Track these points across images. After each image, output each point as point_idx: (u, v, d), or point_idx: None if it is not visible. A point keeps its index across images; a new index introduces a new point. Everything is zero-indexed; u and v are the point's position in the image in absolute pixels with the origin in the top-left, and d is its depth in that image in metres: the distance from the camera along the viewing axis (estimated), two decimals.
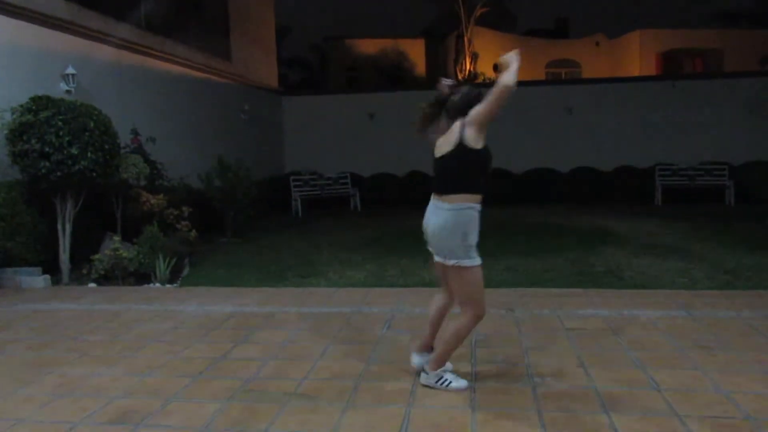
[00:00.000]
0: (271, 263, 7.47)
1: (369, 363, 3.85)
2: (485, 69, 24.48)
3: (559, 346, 4.08)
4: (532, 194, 14.08)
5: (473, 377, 3.56)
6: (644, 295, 5.41)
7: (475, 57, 23.62)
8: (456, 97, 3.31)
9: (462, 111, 3.24)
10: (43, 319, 5.12)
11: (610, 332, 4.34)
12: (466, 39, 23.45)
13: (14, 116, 6.36)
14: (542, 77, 24.95)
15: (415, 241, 8.81)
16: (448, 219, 3.21)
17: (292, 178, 14.13)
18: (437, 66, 27.10)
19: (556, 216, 11.45)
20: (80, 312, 5.31)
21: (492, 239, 8.62)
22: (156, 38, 10.10)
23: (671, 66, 24.72)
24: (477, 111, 3.16)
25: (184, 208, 7.73)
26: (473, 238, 3.25)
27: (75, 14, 8.01)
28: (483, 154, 3.23)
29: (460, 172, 3.23)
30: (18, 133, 6.24)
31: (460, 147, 3.19)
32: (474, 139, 3.17)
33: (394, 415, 3.10)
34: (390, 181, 15.06)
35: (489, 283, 6.02)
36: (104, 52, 8.69)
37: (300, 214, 13.24)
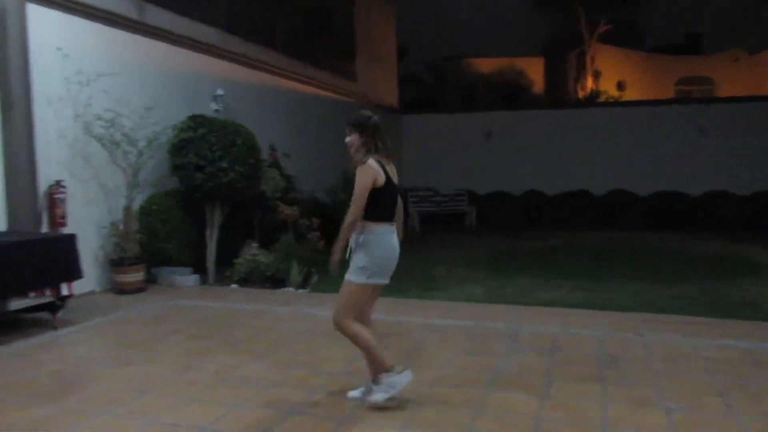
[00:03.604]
0: (392, 275, 7.74)
1: (496, 375, 3.97)
2: (608, 87, 23.68)
3: (693, 374, 3.97)
4: (656, 218, 13.41)
5: (604, 396, 3.58)
6: None
7: (597, 75, 22.94)
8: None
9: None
10: (196, 314, 5.73)
11: (753, 364, 4.14)
12: (588, 57, 22.83)
13: (175, 133, 7.17)
14: (671, 95, 23.69)
15: (530, 261, 8.85)
16: None
17: (409, 194, 14.49)
18: (557, 84, 26.60)
19: (684, 242, 10.85)
20: (227, 310, 5.88)
21: (616, 264, 8.40)
22: (290, 61, 10.90)
23: None
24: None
25: (314, 220, 8.24)
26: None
27: (223, 40, 8.88)
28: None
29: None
30: (178, 147, 7.03)
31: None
32: None
33: (524, 425, 3.21)
34: (506, 200, 15.02)
35: (615, 306, 5.97)
36: (246, 74, 9.54)
37: (417, 228, 13.55)
